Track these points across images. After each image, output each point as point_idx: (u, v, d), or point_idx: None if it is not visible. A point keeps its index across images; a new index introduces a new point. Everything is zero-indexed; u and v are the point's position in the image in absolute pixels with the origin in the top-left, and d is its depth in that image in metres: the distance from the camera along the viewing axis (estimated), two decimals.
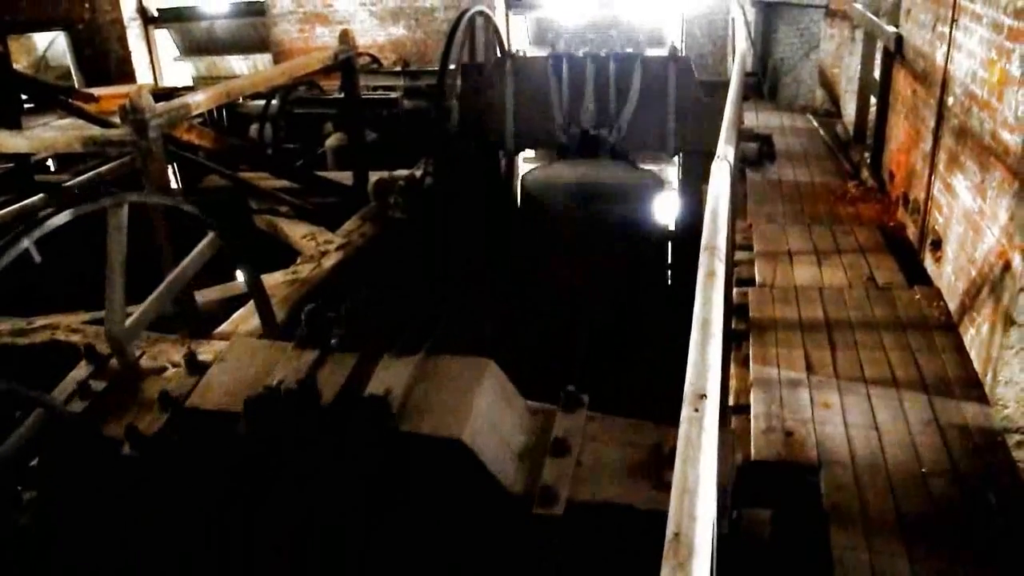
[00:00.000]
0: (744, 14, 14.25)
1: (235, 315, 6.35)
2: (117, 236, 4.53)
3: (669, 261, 10.54)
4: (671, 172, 13.43)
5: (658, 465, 3.49)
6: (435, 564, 3.85)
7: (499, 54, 11.44)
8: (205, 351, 5.07)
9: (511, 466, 3.64)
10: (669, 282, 10.57)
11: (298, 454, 3.73)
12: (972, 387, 4.63)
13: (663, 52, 10.51)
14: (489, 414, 3.69)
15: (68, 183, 8.40)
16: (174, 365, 4.88)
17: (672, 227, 10.50)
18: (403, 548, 3.80)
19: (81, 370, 4.41)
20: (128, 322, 4.45)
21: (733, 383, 4.94)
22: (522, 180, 10.58)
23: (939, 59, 6.02)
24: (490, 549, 3.75)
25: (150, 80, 17.24)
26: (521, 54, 10.59)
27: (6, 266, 4.00)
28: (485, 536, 3.72)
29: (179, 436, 4.00)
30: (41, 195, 7.17)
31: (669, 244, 10.50)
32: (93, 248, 4.99)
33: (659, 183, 10.23)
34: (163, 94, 9.88)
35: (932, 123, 6.13)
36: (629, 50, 10.15)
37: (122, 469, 3.95)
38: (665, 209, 10.47)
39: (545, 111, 10.09)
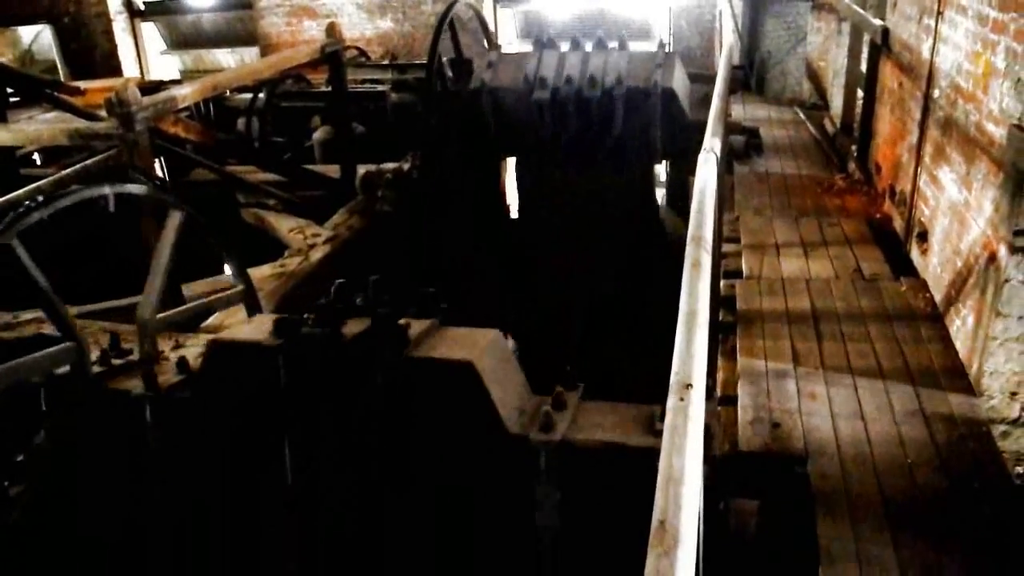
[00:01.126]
0: (731, 7, 14.29)
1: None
2: (171, 236, 4.86)
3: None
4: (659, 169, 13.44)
5: (651, 421, 3.72)
6: (437, 492, 4.01)
7: (482, 48, 11.42)
8: (193, 343, 5.09)
9: (513, 409, 3.93)
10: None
11: (322, 383, 4.01)
12: (958, 377, 4.65)
13: (651, 45, 10.47)
14: (495, 365, 3.97)
15: (54, 177, 8.35)
16: (163, 359, 4.91)
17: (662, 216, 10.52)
18: (409, 474, 4.01)
19: (103, 345, 4.75)
20: (159, 316, 4.71)
21: (720, 375, 4.96)
22: None
23: (925, 52, 6.04)
24: (486, 484, 3.89)
25: (136, 74, 17.17)
26: (509, 48, 10.55)
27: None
28: (482, 471, 3.92)
29: (209, 369, 4.28)
30: (29, 187, 7.12)
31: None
32: (77, 244, 5.04)
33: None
34: (150, 87, 9.84)
35: (918, 115, 6.15)
36: (613, 44, 10.07)
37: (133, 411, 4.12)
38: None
39: (529, 102, 10.00)
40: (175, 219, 4.85)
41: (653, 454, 1.71)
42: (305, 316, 4.08)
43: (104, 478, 4.37)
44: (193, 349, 4.91)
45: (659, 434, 1.81)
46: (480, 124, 10.09)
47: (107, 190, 4.53)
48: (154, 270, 4.70)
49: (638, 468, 3.44)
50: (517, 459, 3.69)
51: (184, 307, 5.06)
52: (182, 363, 4.41)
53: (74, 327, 4.31)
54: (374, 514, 4.10)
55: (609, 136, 9.66)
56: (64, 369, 4.30)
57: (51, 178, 7.53)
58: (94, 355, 4.56)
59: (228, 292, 5.34)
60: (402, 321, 4.03)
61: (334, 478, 4.06)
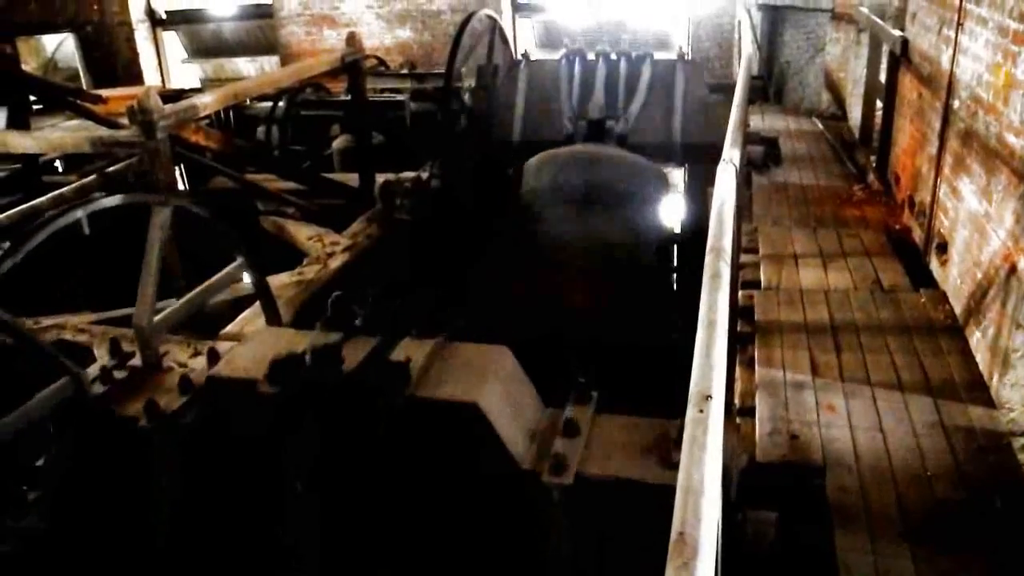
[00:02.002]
0: (750, 18, 14.29)
1: (241, 316, 6.36)
2: (158, 235, 4.65)
3: (675, 264, 10.50)
4: (678, 176, 13.42)
5: (666, 447, 3.57)
6: (442, 534, 3.91)
7: (505, 58, 11.46)
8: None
9: (522, 442, 3.77)
10: (675, 286, 10.54)
11: (319, 419, 3.84)
12: (978, 390, 4.63)
13: (670, 55, 10.54)
14: (503, 391, 3.81)
15: (76, 184, 8.44)
16: (181, 366, 4.92)
17: (678, 231, 10.48)
18: (415, 513, 3.87)
19: (104, 360, 4.56)
20: (157, 318, 4.55)
21: (739, 385, 4.95)
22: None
23: (944, 63, 6.02)
24: (498, 521, 3.81)
25: (158, 82, 17.31)
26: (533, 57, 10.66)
27: (19, 263, 4.08)
28: (493, 508, 3.79)
29: (203, 405, 4.14)
30: (52, 194, 7.20)
31: (675, 248, 10.47)
32: (101, 250, 5.06)
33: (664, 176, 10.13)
34: (171, 96, 9.92)
35: (938, 126, 6.13)
36: (638, 53, 10.19)
37: (137, 446, 4.05)
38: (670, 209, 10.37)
39: (554, 109, 10.08)
40: (160, 216, 4.68)
41: (668, 491, 1.71)
42: (303, 352, 3.89)
43: (112, 496, 4.35)
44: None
45: (675, 466, 1.80)
46: (503, 132, 10.14)
47: (79, 213, 4.36)
48: (145, 272, 4.57)
49: (653, 501, 3.39)
50: (529, 495, 3.63)
51: (179, 304, 4.92)
52: (185, 383, 4.22)
53: (66, 364, 4.22)
54: (376, 554, 4.03)
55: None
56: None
57: (73, 185, 7.63)
58: (97, 368, 4.44)
59: (222, 275, 5.19)
60: (402, 357, 3.84)
61: (332, 525, 3.98)
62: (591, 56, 10.24)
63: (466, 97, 10.53)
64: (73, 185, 7.66)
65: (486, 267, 9.18)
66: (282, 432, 3.86)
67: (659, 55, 10.38)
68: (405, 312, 4.19)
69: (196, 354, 5.06)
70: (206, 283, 5.08)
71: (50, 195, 7.04)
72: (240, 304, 6.62)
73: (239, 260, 5.13)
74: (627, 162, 9.18)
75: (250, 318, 6.26)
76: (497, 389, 3.75)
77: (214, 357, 4.26)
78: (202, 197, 8.83)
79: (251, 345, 4.28)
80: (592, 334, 8.09)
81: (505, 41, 11.96)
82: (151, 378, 4.42)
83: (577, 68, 10.14)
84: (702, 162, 9.49)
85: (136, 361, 4.54)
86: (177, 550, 4.14)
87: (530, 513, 3.63)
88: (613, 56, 10.17)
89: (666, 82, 9.88)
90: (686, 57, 10.22)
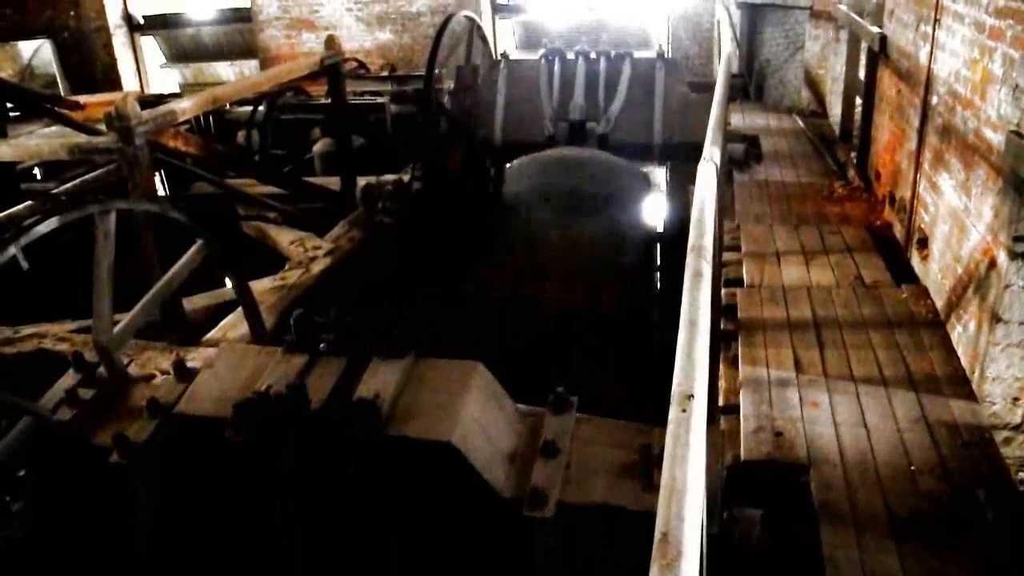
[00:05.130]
0: (729, 16, 14.32)
1: (223, 322, 6.33)
2: (105, 243, 4.47)
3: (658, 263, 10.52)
4: (660, 175, 13.44)
5: (648, 465, 3.50)
6: (426, 566, 3.85)
7: (485, 59, 11.45)
8: (193, 358, 5.06)
9: (501, 469, 3.65)
10: (658, 285, 10.55)
11: (287, 459, 3.72)
12: (960, 384, 4.65)
13: (649, 54, 10.56)
14: (478, 417, 3.69)
15: (55, 191, 8.38)
16: (162, 373, 4.87)
17: (661, 230, 10.50)
18: (394, 551, 3.80)
19: (69, 378, 4.38)
20: (116, 330, 4.43)
21: (722, 383, 4.95)
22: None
23: (923, 59, 6.05)
24: (481, 551, 3.75)
25: (136, 87, 17.20)
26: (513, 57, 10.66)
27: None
28: (476, 538, 3.73)
29: (167, 443, 3.99)
30: (27, 203, 7.15)
31: (658, 248, 10.48)
32: (80, 256, 4.96)
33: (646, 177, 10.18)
34: (149, 101, 9.85)
35: (917, 122, 6.16)
36: (617, 52, 10.21)
37: (110, 477, 3.94)
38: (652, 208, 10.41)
39: (535, 110, 10.08)
40: (105, 224, 4.47)
41: (650, 517, 1.69)
42: (268, 389, 3.72)
43: (89, 512, 4.28)
44: (192, 364, 4.80)
45: (656, 489, 1.78)
46: (484, 133, 10.12)
47: (12, 250, 4.11)
48: (97, 284, 4.38)
49: (636, 525, 3.35)
50: (510, 524, 3.57)
51: (137, 308, 4.63)
52: (153, 406, 4.02)
53: (23, 404, 4.11)
54: None
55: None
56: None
57: (51, 192, 7.58)
58: (61, 390, 4.26)
59: (181, 263, 4.88)
60: (371, 390, 3.66)
61: (313, 557, 3.92)
62: (571, 55, 10.24)
63: (446, 99, 10.51)
64: (53, 191, 7.63)
65: (470, 269, 9.16)
66: (252, 474, 3.78)
67: (639, 54, 10.40)
68: (370, 332, 4.01)
69: (179, 360, 5.01)
70: (166, 276, 4.87)
71: (26, 204, 6.99)
72: (223, 309, 6.59)
73: (197, 245, 4.91)
74: (609, 164, 9.18)
75: (232, 324, 6.23)
76: (472, 418, 3.63)
77: (182, 371, 4.16)
78: (180, 203, 8.78)
79: (216, 372, 4.12)
80: (574, 333, 8.10)
81: (485, 42, 11.96)
82: (118, 397, 4.27)
83: (557, 68, 10.14)
84: (683, 161, 9.51)
85: (103, 373, 4.42)
86: (159, 557, 4.10)
87: (512, 540, 3.58)
88: (593, 55, 10.17)
89: (646, 81, 9.89)
90: (666, 56, 10.24)
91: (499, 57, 10.73)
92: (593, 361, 8.34)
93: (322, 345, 3.98)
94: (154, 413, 4.01)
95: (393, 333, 3.97)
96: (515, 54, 16.67)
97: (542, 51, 10.44)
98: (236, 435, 3.73)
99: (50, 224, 4.33)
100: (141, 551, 4.05)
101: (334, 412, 3.68)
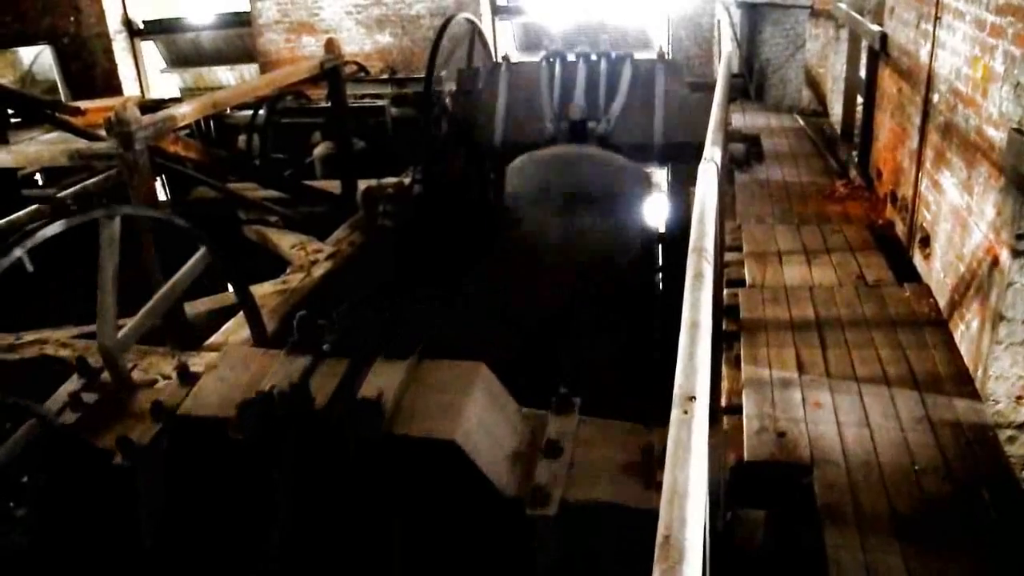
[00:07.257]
0: (729, 16, 14.32)
1: (225, 326, 6.34)
2: (109, 248, 4.50)
3: (659, 263, 10.51)
4: (660, 176, 13.44)
5: (649, 465, 3.51)
6: (429, 565, 3.85)
7: (485, 60, 11.45)
8: (196, 363, 5.07)
9: (504, 468, 3.66)
10: (660, 286, 10.55)
11: (291, 458, 3.73)
12: (963, 383, 4.63)
13: (650, 55, 10.56)
14: (481, 416, 3.70)
15: (59, 195, 8.38)
16: (165, 378, 4.88)
17: (662, 231, 10.50)
18: (397, 550, 3.81)
19: (73, 383, 4.40)
20: (120, 334, 4.44)
21: (725, 384, 4.94)
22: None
23: (923, 57, 6.04)
24: (484, 550, 3.75)
25: (137, 92, 17.21)
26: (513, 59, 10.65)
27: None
28: (479, 537, 3.73)
29: (171, 445, 4.00)
30: (30, 208, 7.15)
31: (660, 248, 10.48)
32: (82, 262, 4.96)
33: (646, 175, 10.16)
34: (150, 106, 9.85)
35: (918, 120, 6.15)
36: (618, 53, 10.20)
37: (114, 479, 3.95)
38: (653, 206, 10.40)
39: (536, 112, 10.07)
40: (109, 229, 4.51)
41: (652, 515, 1.69)
42: (272, 389, 3.73)
43: (94, 515, 4.28)
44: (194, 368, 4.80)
45: (658, 487, 1.78)
46: (485, 135, 10.12)
47: (17, 252, 4.14)
48: (101, 289, 4.41)
49: (641, 523, 3.35)
50: (513, 523, 3.58)
51: (141, 314, 4.69)
52: (157, 409, 4.02)
53: (28, 405, 4.12)
54: None
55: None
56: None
57: (56, 197, 7.59)
58: (65, 394, 4.28)
59: (184, 270, 4.93)
60: (374, 389, 3.68)
61: (316, 554, 3.92)
62: (571, 57, 10.24)
63: (447, 101, 10.52)
64: (58, 196, 7.64)
65: (471, 270, 9.17)
66: (256, 473, 3.79)
67: (639, 55, 10.40)
68: (373, 332, 4.03)
69: (182, 364, 5.01)
70: (170, 282, 4.91)
71: (28, 209, 6.99)
72: (225, 314, 6.60)
73: (200, 252, 4.94)
74: (609, 163, 9.18)
75: (234, 328, 6.24)
76: (475, 417, 3.65)
77: (185, 375, 4.18)
78: (182, 208, 8.78)
79: (220, 373, 4.13)
80: (575, 334, 8.10)
81: (485, 44, 11.96)
82: (122, 401, 4.30)
83: (558, 69, 10.14)
84: (684, 161, 9.50)
85: (107, 378, 4.44)
86: (163, 558, 4.10)
87: (515, 539, 3.59)
88: (593, 57, 10.17)
89: (647, 82, 9.89)
90: (666, 56, 10.24)
91: (500, 59, 10.74)
92: (594, 336, 8.31)
93: (325, 346, 4.00)
94: (158, 416, 4.02)
95: (397, 334, 3.99)
96: (515, 56, 16.65)
97: (543, 53, 10.44)
98: (240, 435, 3.74)
99: (56, 228, 4.35)
100: (146, 553, 4.06)
101: (337, 411, 3.69)
